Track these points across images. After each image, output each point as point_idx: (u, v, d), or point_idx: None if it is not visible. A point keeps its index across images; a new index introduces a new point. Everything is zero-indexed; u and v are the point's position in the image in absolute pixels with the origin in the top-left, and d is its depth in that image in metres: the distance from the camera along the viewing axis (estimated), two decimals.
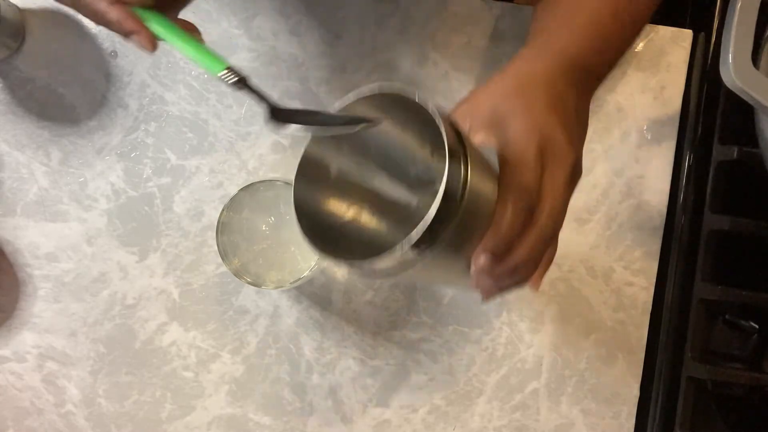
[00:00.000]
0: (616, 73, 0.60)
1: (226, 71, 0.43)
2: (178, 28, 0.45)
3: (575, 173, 0.41)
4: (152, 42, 0.44)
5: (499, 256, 0.38)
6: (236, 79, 0.43)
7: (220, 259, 0.52)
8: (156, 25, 0.45)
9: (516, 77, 0.42)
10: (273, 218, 0.53)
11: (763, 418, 0.60)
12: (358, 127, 0.37)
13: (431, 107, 0.34)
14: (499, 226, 0.37)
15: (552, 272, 0.59)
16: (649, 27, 0.60)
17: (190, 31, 0.46)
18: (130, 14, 0.44)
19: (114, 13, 0.43)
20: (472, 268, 0.38)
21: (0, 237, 0.60)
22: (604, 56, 0.46)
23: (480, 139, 0.40)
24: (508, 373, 0.59)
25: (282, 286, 0.52)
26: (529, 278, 0.41)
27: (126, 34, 0.44)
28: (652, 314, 0.59)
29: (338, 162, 0.40)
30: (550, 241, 0.40)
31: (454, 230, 0.35)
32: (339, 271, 0.60)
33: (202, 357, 0.60)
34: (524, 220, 0.38)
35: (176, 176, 0.60)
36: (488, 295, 0.40)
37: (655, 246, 0.59)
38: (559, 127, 0.41)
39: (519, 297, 0.59)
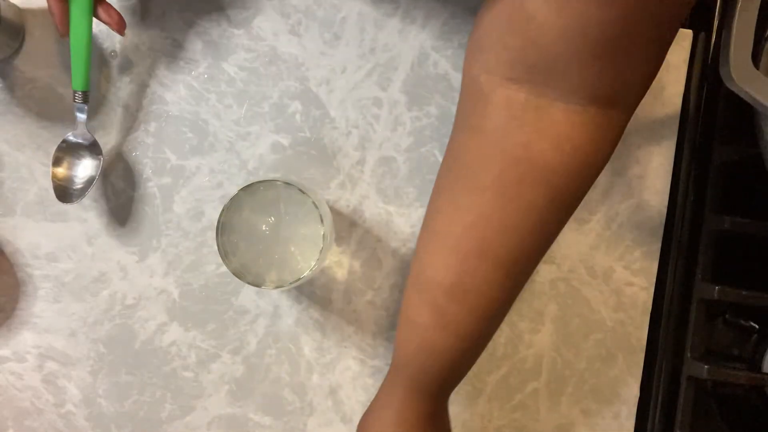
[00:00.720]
0: None
1: (80, 93, 0.57)
2: (88, 29, 0.55)
3: None
4: (64, 26, 0.54)
5: None
6: (81, 102, 0.57)
7: (220, 259, 0.52)
8: (74, 14, 0.54)
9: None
10: (273, 218, 0.53)
11: (763, 418, 0.60)
12: None
13: None
14: None
15: (552, 272, 0.59)
16: None
17: (117, 25, 0.55)
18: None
19: None
20: None
21: (0, 237, 0.60)
22: (451, 373, 0.49)
23: None
24: (508, 373, 0.59)
25: (282, 286, 0.52)
26: None
27: (50, 11, 0.54)
28: (652, 314, 0.59)
29: None
30: None
31: None
32: (339, 270, 0.60)
33: (202, 357, 0.60)
34: None
35: (176, 176, 0.60)
36: None
37: (655, 246, 0.59)
38: None
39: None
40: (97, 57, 0.60)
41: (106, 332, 0.60)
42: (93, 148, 0.58)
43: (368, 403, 0.60)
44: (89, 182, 0.58)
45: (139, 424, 0.60)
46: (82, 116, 0.58)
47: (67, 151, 0.58)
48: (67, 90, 0.60)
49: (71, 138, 0.58)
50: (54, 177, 0.58)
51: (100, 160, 0.58)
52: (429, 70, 0.60)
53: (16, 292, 0.60)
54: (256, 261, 0.53)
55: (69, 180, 0.58)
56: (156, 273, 0.60)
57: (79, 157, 0.58)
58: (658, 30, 0.41)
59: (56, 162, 0.58)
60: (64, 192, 0.57)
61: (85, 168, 0.58)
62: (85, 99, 0.57)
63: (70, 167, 0.58)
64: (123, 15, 0.58)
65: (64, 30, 0.55)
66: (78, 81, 0.57)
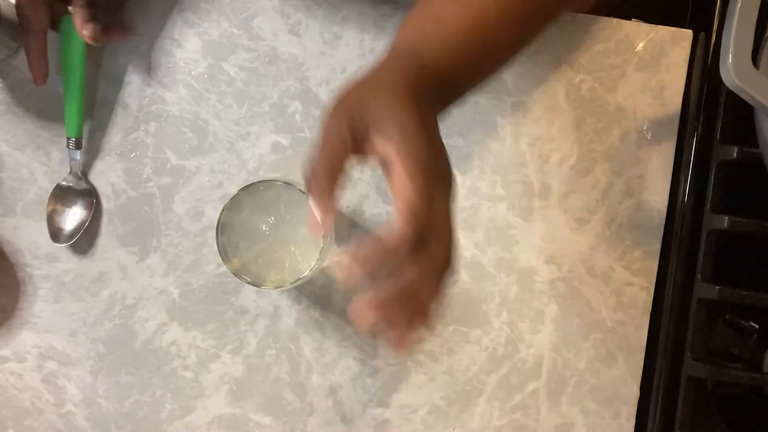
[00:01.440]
0: (615, 73, 0.60)
1: (74, 139, 0.59)
2: (81, 78, 0.58)
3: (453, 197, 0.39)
4: (42, 78, 0.57)
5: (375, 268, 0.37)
6: (72, 147, 0.59)
7: (220, 259, 0.52)
8: (68, 64, 0.58)
9: (386, 85, 0.40)
10: (273, 218, 0.53)
11: (763, 418, 0.60)
12: None
13: None
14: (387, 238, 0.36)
15: (552, 272, 0.59)
16: (649, 27, 0.60)
17: (119, 33, 0.58)
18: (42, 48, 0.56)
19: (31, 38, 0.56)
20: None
21: (0, 237, 0.60)
22: (465, 70, 0.43)
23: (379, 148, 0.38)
24: (508, 373, 0.59)
25: (282, 286, 0.52)
26: (415, 318, 0.37)
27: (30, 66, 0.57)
28: (652, 314, 0.59)
29: None
30: (441, 276, 0.37)
31: None
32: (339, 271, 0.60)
33: (202, 357, 0.60)
34: (414, 242, 0.36)
35: (176, 176, 0.60)
36: (361, 323, 0.38)
37: (655, 246, 0.59)
38: (440, 143, 0.39)
39: (519, 297, 0.59)
40: (97, 57, 0.60)
41: (106, 332, 0.60)
42: (86, 192, 0.60)
43: (368, 403, 0.60)
44: (81, 225, 0.59)
45: (139, 424, 0.60)
46: (75, 160, 0.59)
47: (60, 196, 0.60)
48: None
49: (64, 183, 0.60)
50: (48, 218, 0.60)
51: (92, 202, 0.60)
52: None
53: (16, 292, 0.60)
54: (256, 261, 0.53)
55: (62, 223, 0.60)
56: (156, 273, 0.60)
57: (71, 202, 0.60)
58: None
59: (51, 205, 0.60)
60: (57, 234, 0.60)
61: (75, 214, 0.60)
62: (78, 145, 0.59)
63: (63, 212, 0.60)
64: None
65: (42, 80, 0.57)
66: (71, 128, 0.59)
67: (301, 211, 0.52)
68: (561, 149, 0.60)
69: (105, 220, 0.60)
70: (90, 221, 0.60)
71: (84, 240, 0.60)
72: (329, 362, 0.60)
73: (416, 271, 0.37)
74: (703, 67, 0.60)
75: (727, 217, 0.56)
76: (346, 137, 0.39)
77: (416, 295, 0.37)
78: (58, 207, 0.60)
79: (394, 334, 0.38)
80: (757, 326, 0.59)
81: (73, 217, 0.60)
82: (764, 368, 0.58)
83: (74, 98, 0.58)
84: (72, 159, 0.59)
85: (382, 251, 0.36)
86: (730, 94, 0.46)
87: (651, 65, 0.60)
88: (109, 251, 0.60)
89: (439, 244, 0.37)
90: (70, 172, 0.60)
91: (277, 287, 0.52)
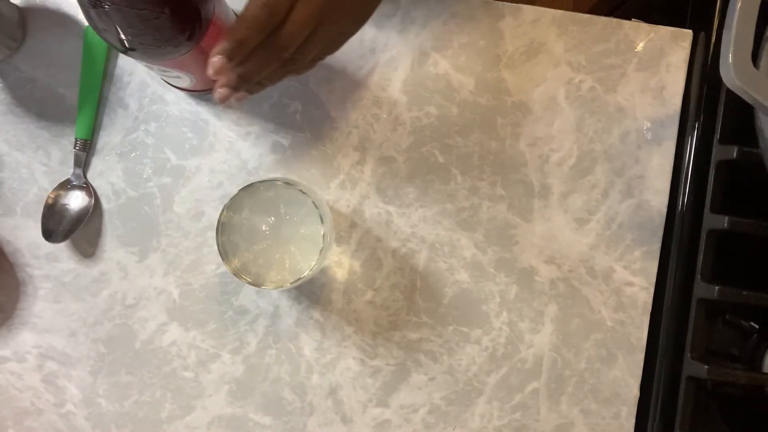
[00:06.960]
0: (615, 73, 0.60)
1: (81, 141, 0.59)
2: (99, 80, 0.59)
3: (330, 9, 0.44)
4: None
5: (231, 56, 0.43)
6: (78, 149, 0.59)
7: (220, 259, 0.52)
8: (87, 63, 0.58)
9: None
10: (273, 218, 0.53)
11: (763, 418, 0.60)
12: None
13: None
14: (237, 27, 0.42)
15: (552, 272, 0.59)
16: (649, 27, 0.60)
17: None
18: None
19: None
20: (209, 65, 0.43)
21: (0, 237, 0.60)
22: None
23: None
24: (508, 373, 0.59)
25: (282, 286, 0.52)
26: (263, 84, 0.46)
27: None
28: (652, 314, 0.59)
29: None
30: (280, 56, 0.44)
31: None
32: (339, 270, 0.60)
33: (202, 357, 0.60)
34: (263, 26, 0.42)
35: (176, 176, 0.60)
36: (221, 97, 0.46)
37: (655, 246, 0.59)
38: None
39: (519, 297, 0.59)
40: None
41: (106, 332, 0.60)
42: (85, 192, 0.60)
43: (368, 403, 0.60)
44: (76, 225, 0.59)
45: (139, 424, 0.60)
46: (78, 165, 0.60)
47: (57, 198, 0.60)
48: (68, 90, 0.60)
49: (66, 183, 0.60)
50: (44, 217, 0.59)
51: (90, 202, 0.60)
52: (429, 70, 0.60)
53: (16, 292, 0.60)
54: (256, 261, 0.53)
55: (57, 222, 0.59)
56: (156, 273, 0.60)
57: (69, 202, 0.60)
58: None
59: (47, 205, 0.60)
60: (49, 233, 0.59)
61: (71, 214, 0.59)
62: (84, 147, 0.59)
63: (60, 211, 0.60)
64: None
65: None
66: (82, 129, 0.59)
67: (301, 211, 0.52)
68: (561, 149, 0.60)
69: (105, 220, 0.60)
70: (90, 221, 0.60)
71: (84, 240, 0.60)
72: (329, 362, 0.60)
73: (258, 58, 0.44)
74: (703, 67, 0.60)
75: (726, 217, 0.56)
76: None
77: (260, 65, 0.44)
78: (56, 206, 0.60)
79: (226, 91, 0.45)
80: (757, 326, 0.59)
81: (69, 216, 0.59)
82: (764, 368, 0.58)
83: (89, 103, 0.59)
84: (75, 162, 0.59)
85: (239, 36, 0.42)
86: (730, 94, 0.46)
87: (651, 65, 0.60)
88: (109, 251, 0.60)
89: (285, 33, 0.43)
90: (72, 175, 0.60)
91: (277, 287, 0.52)
